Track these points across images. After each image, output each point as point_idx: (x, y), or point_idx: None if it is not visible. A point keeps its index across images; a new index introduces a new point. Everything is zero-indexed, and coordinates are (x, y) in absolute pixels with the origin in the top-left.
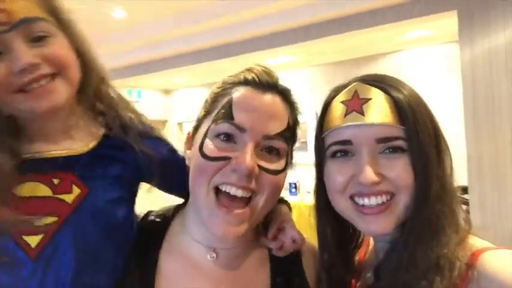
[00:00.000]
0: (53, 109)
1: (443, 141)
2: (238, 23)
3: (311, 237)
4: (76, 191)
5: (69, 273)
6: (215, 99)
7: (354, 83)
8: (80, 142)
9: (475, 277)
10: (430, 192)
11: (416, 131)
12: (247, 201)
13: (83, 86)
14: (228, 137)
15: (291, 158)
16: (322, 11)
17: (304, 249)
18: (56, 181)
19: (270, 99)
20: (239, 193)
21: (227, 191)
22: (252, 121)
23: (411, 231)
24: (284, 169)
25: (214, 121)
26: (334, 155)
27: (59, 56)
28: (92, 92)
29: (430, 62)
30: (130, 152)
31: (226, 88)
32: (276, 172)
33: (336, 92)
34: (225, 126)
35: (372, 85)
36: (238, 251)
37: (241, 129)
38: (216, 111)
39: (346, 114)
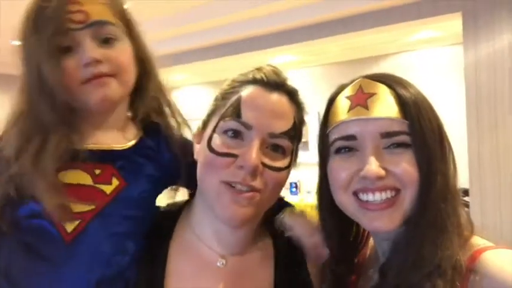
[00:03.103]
0: (104, 103)
1: (447, 141)
2: (241, 22)
3: None
4: (115, 182)
5: (102, 259)
6: (224, 96)
7: (359, 79)
8: (121, 140)
9: (475, 276)
10: (434, 189)
11: (420, 126)
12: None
13: (140, 91)
14: (236, 134)
15: (296, 156)
16: (327, 11)
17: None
18: (97, 171)
19: (276, 98)
20: (244, 189)
21: (233, 185)
22: (258, 119)
23: (416, 230)
24: (287, 167)
25: (223, 118)
26: (338, 151)
27: (120, 59)
28: (147, 97)
29: (435, 63)
30: (163, 154)
31: (235, 86)
32: (279, 169)
33: (341, 89)
34: (232, 123)
35: (377, 81)
36: (244, 251)
37: (248, 126)
38: (224, 109)
39: (350, 109)
